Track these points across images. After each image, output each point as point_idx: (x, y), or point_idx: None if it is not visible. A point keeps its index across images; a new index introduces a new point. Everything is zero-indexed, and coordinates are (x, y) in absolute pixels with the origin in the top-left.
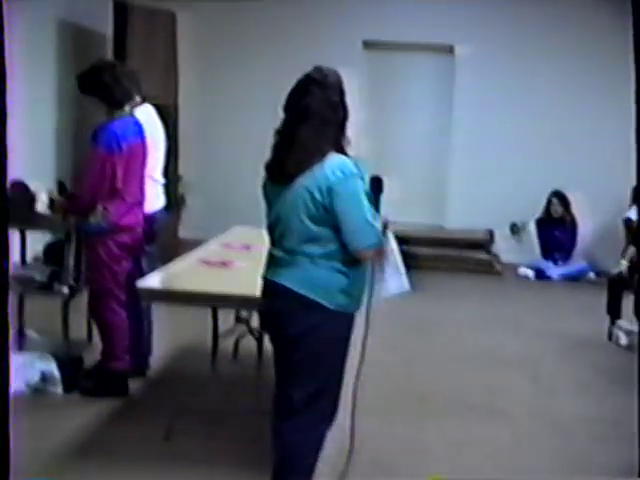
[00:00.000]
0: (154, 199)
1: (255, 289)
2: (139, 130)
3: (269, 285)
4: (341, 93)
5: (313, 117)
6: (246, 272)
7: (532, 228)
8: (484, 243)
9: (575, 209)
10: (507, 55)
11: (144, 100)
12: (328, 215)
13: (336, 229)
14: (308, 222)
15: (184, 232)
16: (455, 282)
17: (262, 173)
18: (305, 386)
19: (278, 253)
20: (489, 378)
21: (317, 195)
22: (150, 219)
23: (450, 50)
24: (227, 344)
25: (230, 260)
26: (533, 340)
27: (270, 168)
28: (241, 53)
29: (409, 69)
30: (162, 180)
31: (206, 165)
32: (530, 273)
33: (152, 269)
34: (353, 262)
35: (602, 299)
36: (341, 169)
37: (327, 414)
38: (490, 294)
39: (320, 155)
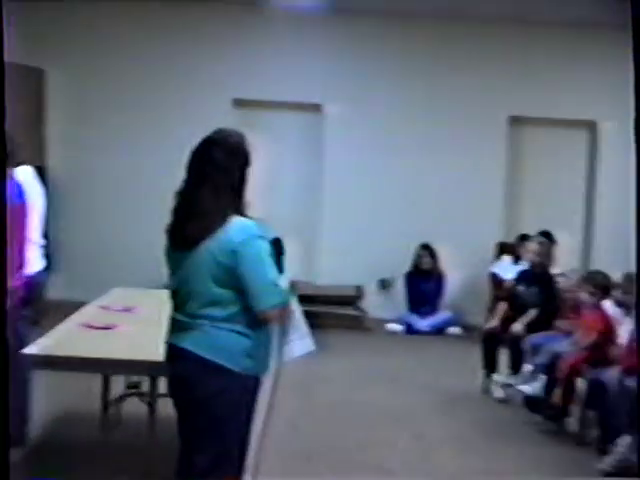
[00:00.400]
0: (34, 261)
1: (143, 353)
2: (19, 192)
3: (172, 350)
4: (243, 155)
5: (212, 181)
6: (132, 336)
7: (401, 282)
8: (353, 299)
9: (442, 262)
10: (376, 113)
11: (22, 161)
12: (232, 277)
13: (239, 291)
14: (211, 285)
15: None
16: (328, 339)
17: (138, 232)
18: (210, 451)
19: (181, 317)
20: (374, 435)
21: (221, 258)
22: (30, 281)
23: (319, 108)
24: (115, 410)
25: (114, 324)
26: (411, 395)
27: (172, 234)
28: (112, 111)
29: (279, 126)
30: (41, 241)
31: (78, 225)
32: (398, 328)
33: (26, 333)
34: (256, 324)
35: (469, 352)
36: (244, 231)
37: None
38: (362, 350)
39: (222, 219)
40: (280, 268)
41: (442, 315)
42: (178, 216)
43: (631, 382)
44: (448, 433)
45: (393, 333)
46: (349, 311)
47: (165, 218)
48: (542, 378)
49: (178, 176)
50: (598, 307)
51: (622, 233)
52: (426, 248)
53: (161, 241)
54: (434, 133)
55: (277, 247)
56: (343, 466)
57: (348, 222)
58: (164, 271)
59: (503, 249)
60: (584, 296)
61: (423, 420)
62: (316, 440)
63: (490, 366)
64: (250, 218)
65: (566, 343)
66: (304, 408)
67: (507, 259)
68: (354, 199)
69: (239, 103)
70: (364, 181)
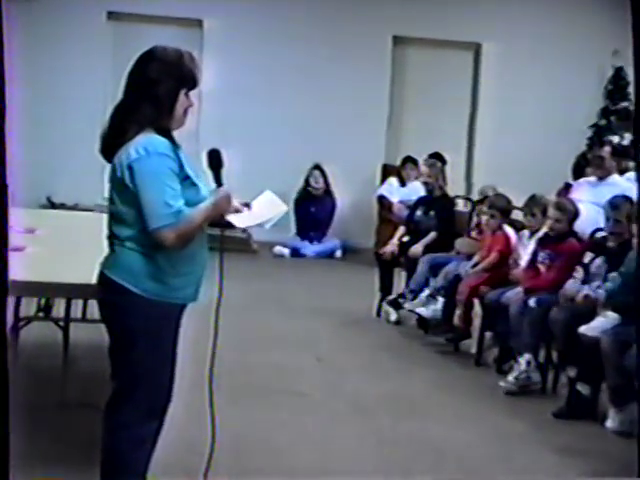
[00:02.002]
0: None
1: (53, 275)
2: None
3: (99, 273)
4: (176, 71)
5: (135, 93)
6: (40, 258)
7: (290, 206)
8: None
9: (333, 184)
10: (257, 31)
11: None
12: (131, 194)
13: (138, 209)
14: (118, 202)
15: None
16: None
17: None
18: (121, 377)
19: (106, 238)
20: (279, 360)
21: (120, 173)
22: None
23: (199, 24)
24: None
25: (21, 245)
26: (305, 320)
27: (100, 144)
28: None
29: (157, 42)
30: None
31: None
32: (285, 251)
33: None
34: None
35: (354, 276)
36: (145, 147)
37: (152, 409)
38: (251, 274)
39: (134, 132)
40: (218, 181)
41: (330, 242)
42: (104, 129)
43: (532, 302)
44: (349, 356)
45: (280, 256)
46: (237, 233)
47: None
48: (440, 300)
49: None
50: (499, 229)
51: (502, 152)
52: (318, 169)
53: (49, 161)
54: (317, 52)
55: (214, 159)
56: (250, 390)
57: (231, 144)
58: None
59: (388, 172)
60: (485, 218)
61: (322, 344)
62: (219, 365)
63: (386, 289)
64: (171, 137)
65: (465, 265)
66: (203, 334)
67: (394, 181)
68: (234, 119)
69: (114, 17)
70: (245, 100)
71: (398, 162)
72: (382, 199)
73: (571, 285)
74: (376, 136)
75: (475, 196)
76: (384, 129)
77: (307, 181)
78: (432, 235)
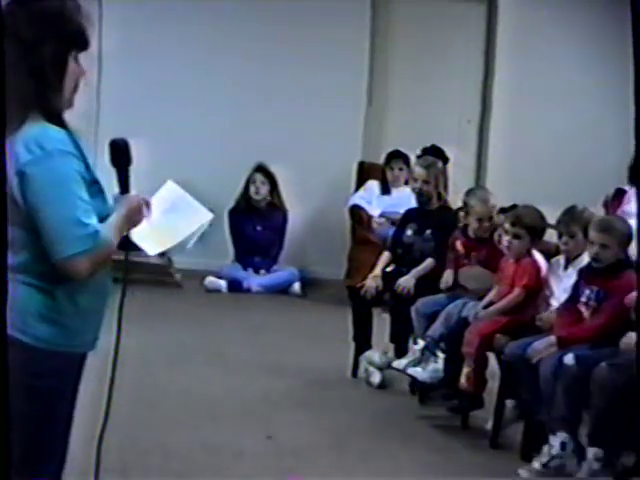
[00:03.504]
0: None
1: None
2: None
3: None
4: (60, 24)
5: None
6: None
7: (224, 221)
8: None
9: (285, 191)
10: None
11: None
12: (19, 209)
13: (32, 230)
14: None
15: None
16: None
17: None
18: (17, 448)
19: None
20: (211, 439)
21: (8, 181)
22: None
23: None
24: None
25: None
26: (251, 381)
27: None
28: None
29: None
30: None
31: None
32: (222, 284)
33: None
34: (65, 278)
35: (319, 319)
36: (39, 143)
37: None
38: (173, 315)
39: (15, 121)
40: (124, 183)
41: (283, 272)
42: None
43: (569, 359)
44: (313, 435)
45: (214, 291)
46: (151, 260)
47: None
48: (440, 356)
49: None
50: (526, 255)
51: (526, 145)
52: (261, 171)
53: None
54: (265, 9)
55: (119, 153)
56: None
57: (139, 133)
58: None
59: (368, 172)
60: (507, 239)
61: (273, 415)
62: (123, 447)
63: (363, 339)
64: (64, 123)
65: (474, 305)
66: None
67: (374, 186)
68: (146, 100)
69: None
70: (162, 72)
71: (381, 159)
72: (357, 211)
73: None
74: (350, 123)
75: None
76: (361, 114)
77: (247, 188)
78: (428, 263)
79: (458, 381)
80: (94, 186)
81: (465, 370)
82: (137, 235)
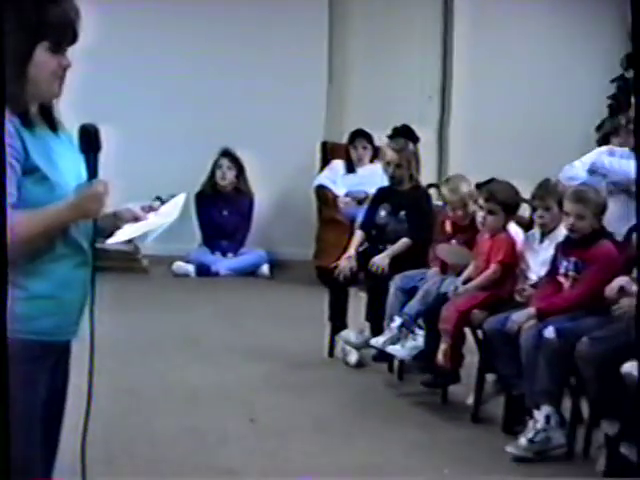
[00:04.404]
0: None
1: None
2: None
3: None
4: (23, 11)
5: None
6: None
7: (191, 206)
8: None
9: (251, 173)
10: None
11: None
12: None
13: None
14: None
15: None
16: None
17: None
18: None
19: None
20: (196, 424)
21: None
22: None
23: None
24: None
25: None
26: (229, 365)
27: None
28: None
29: None
30: None
31: None
32: (190, 269)
33: None
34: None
35: (289, 300)
36: None
37: None
38: (143, 301)
39: None
40: (91, 170)
41: (251, 254)
42: None
43: (549, 332)
44: (294, 416)
45: (182, 276)
46: (118, 247)
47: None
48: (419, 333)
49: None
50: (502, 230)
51: (491, 118)
52: (227, 156)
53: None
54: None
55: (87, 139)
56: (155, 468)
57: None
58: None
59: (331, 152)
60: (481, 215)
61: (254, 398)
62: (108, 437)
63: (339, 318)
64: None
65: (452, 281)
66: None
67: (338, 165)
68: (108, 84)
69: None
70: (123, 56)
71: (344, 139)
72: (322, 191)
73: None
74: (311, 103)
75: None
76: (323, 93)
77: (213, 173)
78: (403, 242)
79: (436, 357)
80: (33, 174)
81: (442, 347)
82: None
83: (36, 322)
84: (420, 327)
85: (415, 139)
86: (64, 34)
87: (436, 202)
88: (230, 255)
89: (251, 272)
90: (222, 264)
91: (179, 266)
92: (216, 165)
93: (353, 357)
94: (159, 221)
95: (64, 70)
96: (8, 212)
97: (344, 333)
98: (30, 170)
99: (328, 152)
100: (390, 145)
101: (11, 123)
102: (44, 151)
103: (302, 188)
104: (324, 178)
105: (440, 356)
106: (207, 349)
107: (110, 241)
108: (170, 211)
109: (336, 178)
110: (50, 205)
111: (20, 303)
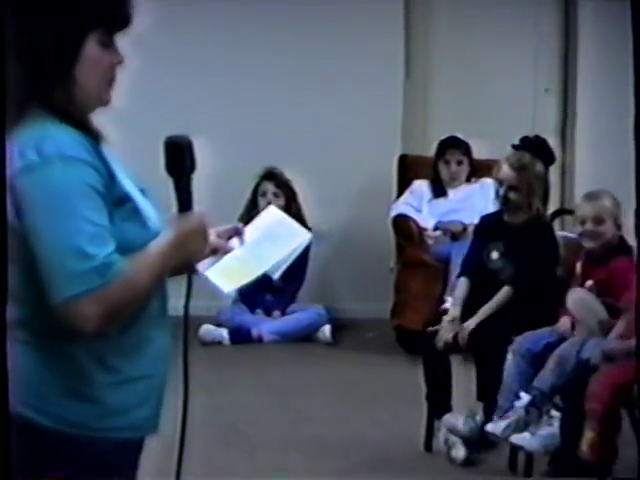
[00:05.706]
0: None
1: None
2: None
3: None
4: None
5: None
6: None
7: None
8: None
9: (303, 203)
10: None
11: None
12: (17, 238)
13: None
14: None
15: None
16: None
17: None
18: None
19: None
20: None
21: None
22: None
23: None
24: None
25: None
26: (285, 465)
27: None
28: None
29: None
30: None
31: None
32: (223, 333)
33: None
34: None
35: (364, 374)
36: (38, 147)
37: None
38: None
39: (16, 118)
40: (186, 199)
41: (306, 312)
42: None
43: None
44: None
45: (212, 344)
46: None
47: None
48: (555, 416)
49: None
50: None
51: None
52: (273, 179)
53: None
54: None
55: (178, 157)
56: None
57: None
58: None
59: (412, 170)
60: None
61: None
62: None
63: (440, 399)
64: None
65: (596, 343)
66: None
67: (422, 187)
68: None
69: None
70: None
71: (431, 150)
72: (403, 223)
73: None
74: (384, 102)
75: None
76: (399, 91)
77: (254, 201)
78: (505, 292)
79: (578, 448)
80: (124, 205)
81: (588, 434)
82: (214, 270)
83: (126, 415)
84: (557, 407)
85: (549, 158)
86: (117, 18)
87: (564, 233)
88: (277, 314)
89: (306, 336)
90: (266, 326)
91: (208, 331)
92: (257, 191)
93: (460, 451)
94: (285, 250)
95: (115, 69)
96: (117, 259)
97: (448, 417)
98: (118, 201)
99: (408, 169)
100: (509, 159)
101: (81, 140)
102: (122, 172)
103: (375, 220)
104: (405, 205)
105: (584, 446)
106: (254, 443)
107: (225, 290)
108: (278, 229)
109: (421, 205)
110: (150, 246)
111: (104, 390)
